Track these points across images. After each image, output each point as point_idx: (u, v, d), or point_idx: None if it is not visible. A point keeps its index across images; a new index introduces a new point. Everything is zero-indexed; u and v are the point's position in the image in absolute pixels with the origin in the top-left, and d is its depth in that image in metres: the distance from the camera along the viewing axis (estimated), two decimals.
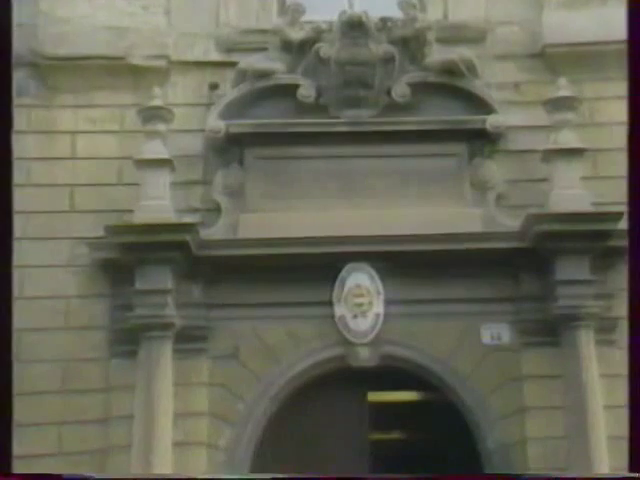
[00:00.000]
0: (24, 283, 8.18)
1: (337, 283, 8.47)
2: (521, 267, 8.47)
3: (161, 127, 8.45)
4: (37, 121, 8.76)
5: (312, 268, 8.28)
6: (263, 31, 9.13)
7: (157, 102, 8.48)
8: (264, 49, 9.04)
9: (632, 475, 5.19)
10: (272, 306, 8.43)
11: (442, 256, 8.35)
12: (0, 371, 4.94)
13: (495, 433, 8.33)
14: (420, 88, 8.91)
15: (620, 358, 7.40)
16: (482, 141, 8.90)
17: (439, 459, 8.51)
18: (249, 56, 9.02)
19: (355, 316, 8.44)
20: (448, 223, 8.50)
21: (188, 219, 8.50)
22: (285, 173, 8.84)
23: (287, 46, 8.98)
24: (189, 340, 8.27)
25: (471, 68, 8.93)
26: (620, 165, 5.92)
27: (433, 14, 9.22)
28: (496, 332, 8.50)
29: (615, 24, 6.95)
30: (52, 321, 8.33)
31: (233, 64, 9.03)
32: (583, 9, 8.90)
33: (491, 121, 8.79)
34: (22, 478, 5.34)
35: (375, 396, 8.81)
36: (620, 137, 6.01)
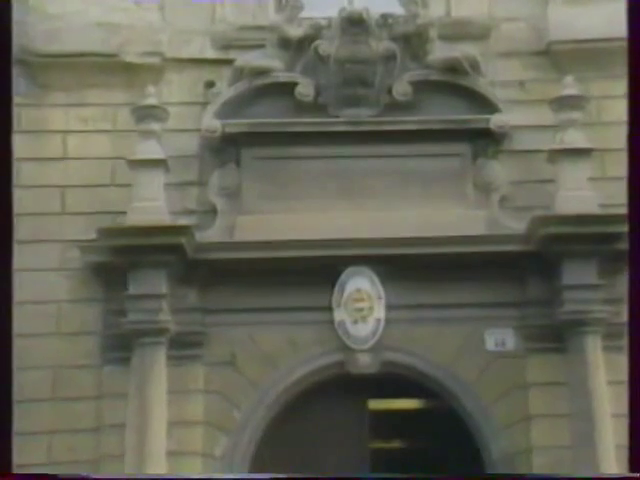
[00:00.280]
0: (13, 287, 8.16)
1: (337, 287, 8.48)
2: (526, 271, 8.47)
3: (155, 126, 8.44)
4: (27, 120, 8.72)
5: (311, 272, 8.29)
6: (260, 28, 9.12)
7: (151, 101, 8.47)
8: (261, 46, 9.02)
9: (632, 475, 5.24)
10: (270, 311, 8.44)
11: (445, 260, 8.35)
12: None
13: (499, 442, 8.33)
14: (422, 86, 8.91)
15: None
16: (486, 141, 8.91)
17: (441, 469, 8.46)
18: (246, 53, 9.02)
19: (355, 321, 8.45)
20: (451, 225, 8.50)
21: (183, 221, 8.49)
22: (283, 174, 8.84)
23: (285, 43, 8.98)
24: (184, 346, 8.27)
25: (474, 66, 8.94)
26: None
27: (435, 10, 9.21)
28: (500, 338, 8.51)
29: (622, 20, 6.89)
30: (43, 326, 8.31)
31: (229, 62, 9.04)
32: (590, 5, 8.88)
33: (495, 120, 8.80)
34: (22, 478, 5.43)
35: (376, 404, 8.80)
36: None
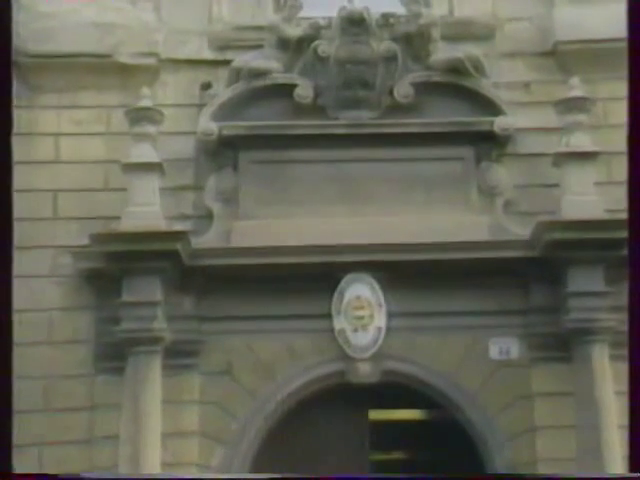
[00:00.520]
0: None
1: (336, 294, 8.47)
2: (531, 278, 8.47)
3: (150, 129, 8.43)
4: (18, 122, 8.43)
5: (310, 279, 8.28)
6: (258, 28, 9.11)
7: (146, 102, 8.46)
8: (259, 47, 9.02)
9: (632, 475, 5.28)
10: (267, 319, 8.43)
11: (447, 266, 8.34)
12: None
13: (504, 454, 8.31)
14: (424, 88, 8.91)
15: None
16: (490, 144, 8.91)
17: None
18: (243, 54, 9.01)
19: (355, 329, 8.43)
20: (453, 231, 8.49)
21: (179, 227, 8.48)
22: (281, 178, 8.83)
23: (284, 44, 8.98)
24: (179, 355, 8.25)
25: (478, 67, 8.94)
26: None
27: (438, 10, 9.22)
28: (504, 347, 8.50)
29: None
30: (33, 335, 8.26)
31: (226, 62, 9.03)
32: (597, 4, 8.85)
33: (499, 123, 8.80)
34: (22, 478, 5.47)
35: (376, 414, 8.79)
36: None
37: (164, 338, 8.13)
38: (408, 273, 8.34)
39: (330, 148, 8.79)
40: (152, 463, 7.80)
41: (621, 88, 8.33)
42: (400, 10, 9.10)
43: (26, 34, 8.77)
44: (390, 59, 8.88)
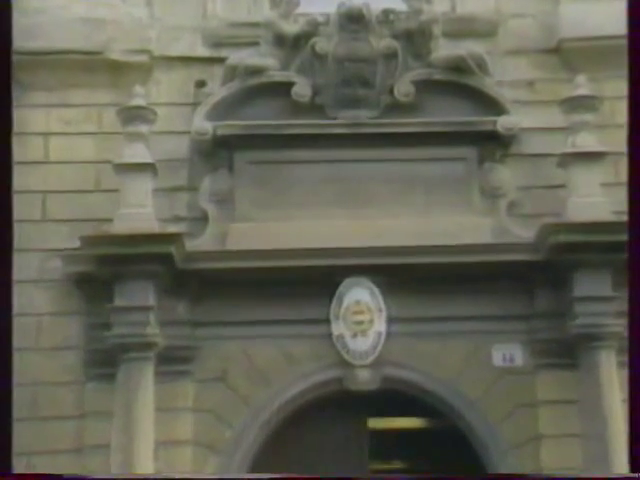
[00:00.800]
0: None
1: (335, 299, 8.45)
2: (535, 282, 8.46)
3: (143, 128, 8.40)
4: None
5: (307, 282, 8.27)
6: (254, 24, 9.09)
7: (138, 101, 8.43)
8: (255, 44, 9.01)
9: (632, 475, 5.34)
10: (263, 324, 8.42)
11: (449, 270, 8.32)
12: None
13: (507, 463, 8.27)
14: (425, 86, 8.89)
15: None
16: (493, 144, 8.90)
17: None
18: (239, 51, 9.00)
19: (354, 335, 8.41)
20: (455, 234, 8.48)
21: (172, 229, 8.47)
22: (278, 179, 8.82)
23: (280, 40, 8.96)
24: (173, 361, 8.23)
25: (481, 65, 8.92)
26: None
27: (439, 6, 9.17)
28: (508, 353, 8.49)
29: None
30: (21, 341, 8.03)
31: (221, 60, 9.02)
32: (603, 0, 8.81)
33: (503, 122, 8.78)
34: (22, 478, 5.58)
35: (376, 422, 8.78)
36: None
37: (157, 344, 8.09)
38: (409, 277, 8.32)
39: (328, 148, 8.78)
40: (144, 472, 7.73)
41: None
42: (400, 6, 9.08)
43: (14, 30, 8.70)
44: (390, 56, 8.86)
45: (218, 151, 8.86)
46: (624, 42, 8.23)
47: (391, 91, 8.86)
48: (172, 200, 8.75)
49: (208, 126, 8.74)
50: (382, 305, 8.43)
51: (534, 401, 8.34)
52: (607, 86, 8.71)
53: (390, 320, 8.41)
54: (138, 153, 8.34)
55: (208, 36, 9.20)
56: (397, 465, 9.43)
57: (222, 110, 8.84)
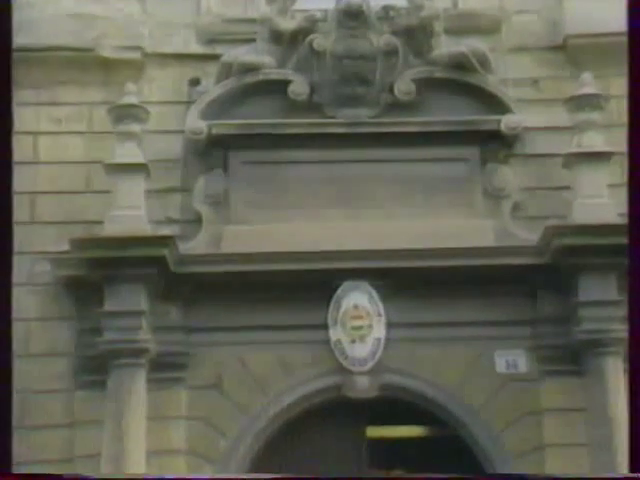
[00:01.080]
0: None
1: (332, 304, 8.44)
2: (540, 286, 8.45)
3: (135, 128, 8.39)
4: None
5: (305, 287, 8.25)
6: (250, 20, 9.10)
7: (130, 99, 8.42)
8: (251, 40, 9.01)
9: (632, 475, 5.39)
10: (259, 330, 8.41)
11: (451, 273, 8.32)
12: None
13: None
14: (426, 85, 8.90)
15: None
16: (496, 144, 8.90)
17: None
18: (234, 48, 9.00)
19: (353, 341, 8.39)
20: (457, 236, 8.47)
21: (165, 231, 8.43)
22: (274, 180, 8.81)
23: (277, 37, 8.96)
24: (165, 368, 8.23)
25: (484, 62, 8.92)
26: None
27: (441, 2, 9.19)
28: (511, 359, 8.47)
29: None
30: None
31: (216, 57, 9.01)
32: None
33: (506, 122, 8.78)
34: (22, 478, 5.66)
35: (375, 431, 8.76)
36: None
37: (149, 350, 8.08)
38: (409, 281, 8.31)
39: (326, 148, 8.78)
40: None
41: None
42: (401, 2, 9.08)
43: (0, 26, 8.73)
44: (390, 54, 8.86)
45: (212, 151, 8.85)
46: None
47: (391, 89, 8.86)
48: (165, 201, 8.73)
49: (202, 125, 8.74)
50: (381, 310, 8.41)
51: (538, 409, 8.32)
52: (614, 84, 8.65)
53: (390, 325, 8.40)
54: (130, 153, 8.32)
55: (202, 32, 9.20)
56: (396, 475, 9.38)
57: (217, 109, 8.83)
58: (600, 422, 7.90)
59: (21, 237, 8.33)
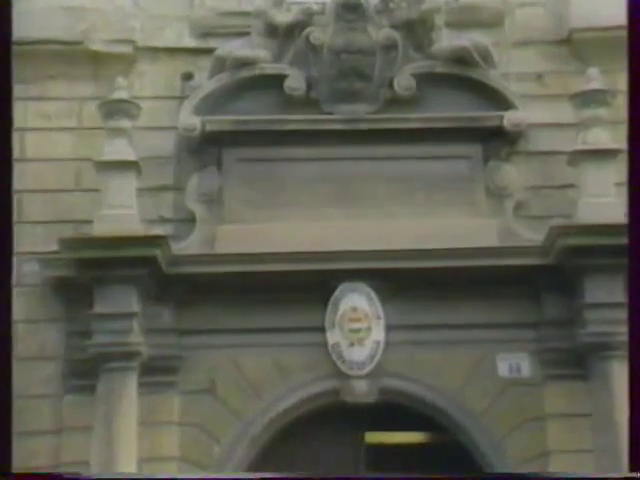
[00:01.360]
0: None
1: (330, 305, 8.43)
2: (544, 287, 8.45)
3: (126, 124, 8.38)
4: None
5: (301, 288, 8.26)
6: (245, 13, 9.08)
7: (121, 94, 8.41)
8: (246, 34, 9.00)
9: (632, 475, 5.44)
10: (254, 332, 8.41)
11: (452, 275, 8.32)
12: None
13: None
14: (426, 80, 8.90)
15: None
16: (499, 141, 8.91)
17: None
18: (228, 42, 9.01)
19: (351, 344, 8.39)
20: (459, 236, 8.46)
21: (157, 231, 8.42)
22: (270, 178, 8.81)
23: (273, 30, 8.95)
24: (157, 372, 8.23)
25: (486, 56, 8.92)
26: None
27: None
28: (515, 363, 8.47)
29: None
30: None
31: (210, 51, 9.01)
32: None
33: (509, 118, 8.78)
34: (22, 478, 5.71)
35: (373, 437, 8.74)
36: None
37: (140, 353, 8.06)
38: (409, 282, 8.30)
39: (324, 145, 8.78)
40: None
41: None
42: None
43: None
44: (390, 48, 8.86)
45: (206, 148, 8.84)
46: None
47: (390, 85, 8.86)
48: (157, 200, 8.73)
49: (196, 121, 8.73)
50: (380, 312, 8.41)
51: (542, 414, 8.32)
52: (620, 79, 8.54)
53: (389, 328, 8.39)
54: (121, 150, 8.30)
55: (195, 26, 9.20)
56: None
57: (210, 104, 8.83)
58: (606, 428, 7.87)
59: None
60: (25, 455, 7.99)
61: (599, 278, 8.12)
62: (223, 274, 8.25)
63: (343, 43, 8.75)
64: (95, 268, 7.99)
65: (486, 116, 8.82)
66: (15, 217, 8.38)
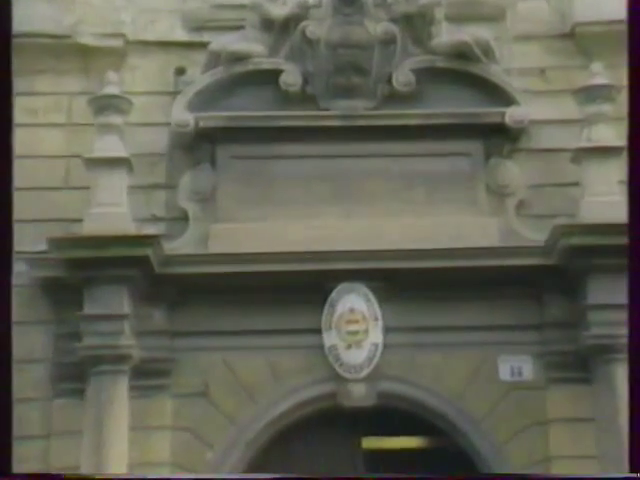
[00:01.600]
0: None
1: (327, 307, 8.43)
2: (546, 288, 8.46)
3: (116, 119, 8.38)
4: None
5: (297, 289, 8.25)
6: (239, 6, 9.07)
7: (111, 89, 8.40)
8: (240, 27, 9.00)
9: (632, 475, 5.48)
10: (249, 334, 8.40)
11: (452, 275, 8.31)
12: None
13: None
14: (426, 75, 8.90)
15: None
16: (500, 138, 8.91)
17: None
18: (222, 36, 9.01)
19: (348, 346, 8.37)
20: (459, 236, 8.48)
21: (149, 230, 8.41)
22: (265, 175, 8.80)
23: (268, 24, 8.95)
24: (149, 375, 8.23)
25: (487, 51, 8.92)
26: None
27: None
28: (516, 366, 8.46)
29: None
30: None
31: (203, 45, 9.01)
32: None
33: (511, 114, 8.78)
34: (22, 478, 5.77)
35: (371, 442, 8.72)
36: None
37: (131, 356, 8.05)
38: (408, 283, 8.30)
39: (320, 142, 8.76)
40: None
41: None
42: None
43: None
44: (388, 42, 8.86)
45: (199, 145, 8.84)
46: None
47: (389, 80, 8.86)
48: (149, 198, 8.73)
49: (189, 117, 8.72)
50: (378, 313, 8.40)
51: (544, 419, 8.32)
52: (625, 74, 8.61)
53: (387, 330, 8.39)
54: (111, 146, 8.30)
55: (188, 19, 9.20)
56: None
57: (204, 100, 8.83)
58: (610, 433, 7.84)
59: None
60: (13, 460, 8.01)
61: (603, 279, 8.08)
62: (217, 274, 8.22)
63: (340, 37, 8.74)
64: (85, 268, 7.98)
65: (487, 112, 8.82)
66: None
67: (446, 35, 8.88)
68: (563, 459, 8.16)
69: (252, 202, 8.67)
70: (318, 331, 8.35)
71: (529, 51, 9.09)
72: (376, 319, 8.37)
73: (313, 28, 8.81)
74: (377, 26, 8.81)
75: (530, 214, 8.72)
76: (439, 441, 8.64)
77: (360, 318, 8.36)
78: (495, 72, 8.91)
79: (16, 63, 8.53)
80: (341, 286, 8.38)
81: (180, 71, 9.05)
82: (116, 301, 8.06)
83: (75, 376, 8.05)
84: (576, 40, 9.03)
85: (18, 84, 8.56)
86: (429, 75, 8.87)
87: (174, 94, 8.90)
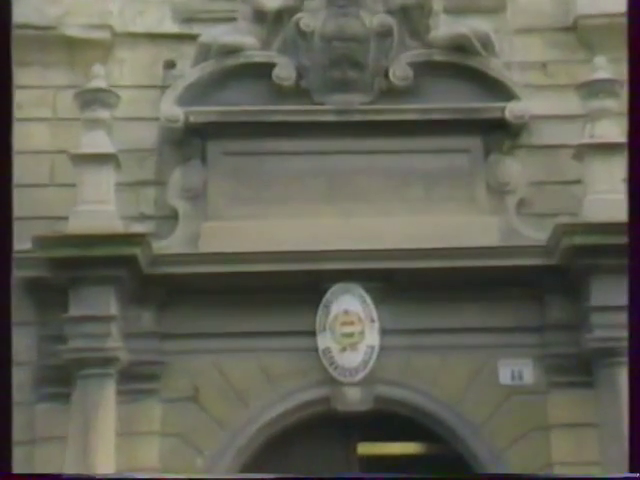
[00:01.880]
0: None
1: (321, 308, 8.42)
2: (548, 289, 8.45)
3: (103, 114, 8.36)
4: None
5: (290, 290, 8.25)
6: None
7: (98, 83, 8.38)
8: (232, 19, 8.99)
9: (632, 475, 5.52)
10: (240, 337, 8.40)
11: (451, 275, 8.30)
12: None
13: None
14: (424, 69, 8.90)
15: None
16: (500, 134, 8.90)
17: None
18: (213, 28, 9.00)
19: (343, 349, 8.36)
20: (458, 235, 8.47)
21: (137, 228, 8.42)
22: (257, 172, 8.80)
23: (260, 16, 8.93)
24: (137, 379, 8.22)
25: (487, 44, 8.91)
26: None
27: None
28: (517, 370, 8.46)
29: None
30: None
31: (193, 37, 9.00)
32: None
33: (512, 109, 8.77)
34: (22, 478, 5.80)
35: (367, 448, 8.69)
36: None
37: (119, 359, 8.03)
38: (405, 283, 8.30)
39: (315, 138, 8.76)
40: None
41: None
42: None
43: None
44: (384, 35, 8.84)
45: (190, 140, 8.82)
46: None
47: (386, 74, 8.85)
48: (137, 196, 8.73)
49: (178, 112, 8.70)
50: (374, 315, 8.39)
51: (546, 424, 8.31)
52: None
53: (384, 332, 8.38)
54: (98, 142, 8.28)
55: (178, 10, 9.19)
56: None
57: (194, 94, 8.82)
58: (613, 438, 7.79)
59: None
60: None
61: (606, 279, 8.03)
62: (207, 274, 8.21)
63: (335, 30, 8.74)
64: (70, 268, 7.95)
65: (487, 107, 8.82)
66: None
67: (444, 28, 8.87)
68: (565, 465, 8.13)
69: (244, 200, 8.65)
70: (312, 333, 8.34)
71: (530, 44, 9.09)
72: (372, 321, 8.36)
73: (307, 20, 8.79)
74: (373, 18, 8.79)
75: (531, 212, 8.72)
76: (437, 447, 8.63)
77: (355, 320, 8.35)
78: (495, 66, 8.89)
79: None
80: (336, 287, 8.37)
81: (169, 64, 9.04)
82: (103, 302, 8.03)
83: (60, 380, 8.01)
84: (579, 33, 9.03)
85: None
86: (427, 69, 8.85)
87: (163, 88, 8.90)
